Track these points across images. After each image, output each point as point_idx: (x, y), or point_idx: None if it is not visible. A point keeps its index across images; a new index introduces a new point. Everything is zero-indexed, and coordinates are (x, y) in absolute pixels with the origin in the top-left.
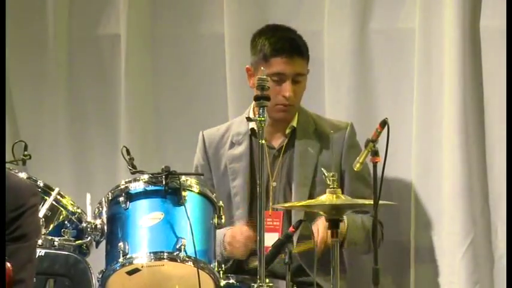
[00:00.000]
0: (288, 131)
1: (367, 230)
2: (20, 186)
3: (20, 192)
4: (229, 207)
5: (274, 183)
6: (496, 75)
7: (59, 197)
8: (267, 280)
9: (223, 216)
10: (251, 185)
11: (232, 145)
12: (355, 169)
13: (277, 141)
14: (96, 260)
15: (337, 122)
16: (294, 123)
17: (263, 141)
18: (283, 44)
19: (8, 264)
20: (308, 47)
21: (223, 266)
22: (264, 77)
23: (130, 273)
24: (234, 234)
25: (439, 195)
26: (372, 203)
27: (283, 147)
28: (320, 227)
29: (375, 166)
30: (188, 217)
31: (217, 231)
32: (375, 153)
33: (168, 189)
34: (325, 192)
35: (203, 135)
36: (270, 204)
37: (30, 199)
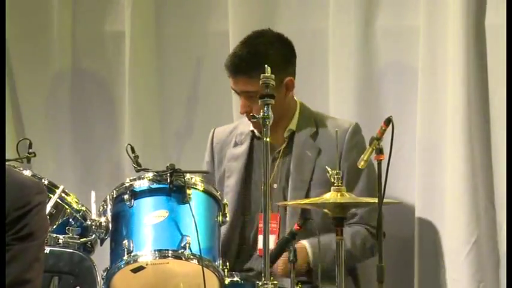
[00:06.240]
0: (286, 134)
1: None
2: (24, 184)
3: (25, 190)
4: None
5: (275, 185)
6: (501, 74)
7: (63, 194)
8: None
9: (227, 214)
10: (244, 185)
11: (236, 145)
12: (360, 167)
13: (277, 144)
14: (101, 257)
15: (342, 121)
16: (293, 126)
17: (267, 139)
18: (228, 61)
19: None
20: (263, 63)
21: (227, 263)
22: (268, 75)
23: (135, 271)
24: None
25: (443, 193)
26: (376, 201)
27: (282, 150)
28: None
29: (379, 164)
30: (193, 215)
31: None
32: (379, 151)
33: (172, 187)
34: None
35: (213, 132)
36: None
37: (36, 197)
